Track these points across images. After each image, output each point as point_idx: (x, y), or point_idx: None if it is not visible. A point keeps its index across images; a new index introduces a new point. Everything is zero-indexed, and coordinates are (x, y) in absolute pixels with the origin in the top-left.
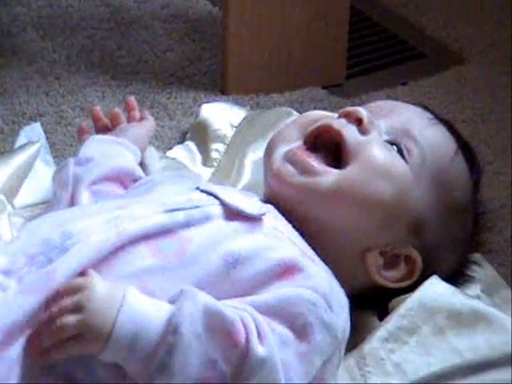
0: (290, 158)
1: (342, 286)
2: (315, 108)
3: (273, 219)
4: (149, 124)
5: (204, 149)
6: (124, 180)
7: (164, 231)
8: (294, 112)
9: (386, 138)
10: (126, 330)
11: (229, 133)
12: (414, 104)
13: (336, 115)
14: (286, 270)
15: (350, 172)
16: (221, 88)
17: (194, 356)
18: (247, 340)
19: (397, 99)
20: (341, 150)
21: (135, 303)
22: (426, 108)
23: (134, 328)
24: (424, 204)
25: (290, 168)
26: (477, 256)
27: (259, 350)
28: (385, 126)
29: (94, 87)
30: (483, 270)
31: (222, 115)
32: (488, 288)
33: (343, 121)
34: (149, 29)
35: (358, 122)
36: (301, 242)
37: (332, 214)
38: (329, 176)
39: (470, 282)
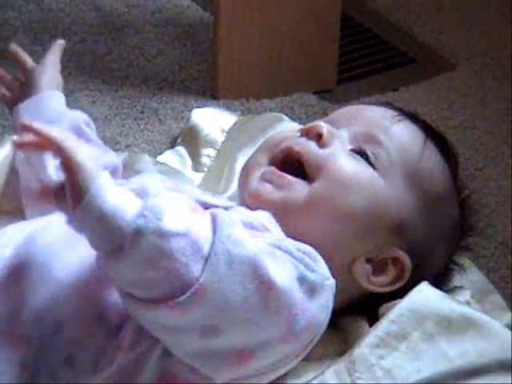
0: (266, 177)
1: (335, 300)
2: (306, 113)
3: (239, 213)
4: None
5: (195, 154)
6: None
7: None
8: (285, 117)
9: (350, 147)
10: (107, 195)
11: (219, 138)
12: (378, 104)
13: (298, 133)
14: (254, 225)
15: (318, 188)
16: (212, 93)
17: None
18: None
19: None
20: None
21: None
22: (390, 106)
23: (115, 197)
24: (402, 204)
25: (267, 185)
26: (467, 262)
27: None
28: (348, 135)
29: (85, 92)
30: (473, 276)
31: (212, 120)
32: (478, 294)
33: (303, 139)
34: (140, 34)
35: (318, 137)
36: (273, 227)
37: (310, 229)
38: (303, 190)
39: (459, 288)
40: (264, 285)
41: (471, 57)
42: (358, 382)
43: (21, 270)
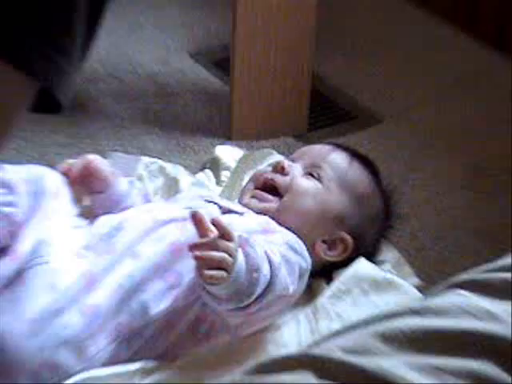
0: (253, 195)
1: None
2: (289, 150)
3: (254, 219)
4: None
5: (216, 174)
6: None
7: (184, 219)
8: (274, 152)
9: (304, 172)
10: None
11: (233, 165)
12: (321, 143)
13: (270, 169)
14: (267, 230)
15: (285, 200)
16: (228, 136)
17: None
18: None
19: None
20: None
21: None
22: (328, 143)
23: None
24: (339, 203)
25: (253, 200)
26: (390, 245)
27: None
28: (302, 165)
29: (149, 136)
30: (393, 254)
31: (229, 153)
32: (395, 265)
33: (273, 173)
34: (183, 98)
35: (282, 169)
36: (275, 225)
37: (285, 226)
38: (276, 202)
39: (383, 261)
40: (284, 296)
41: (394, 114)
42: (319, 320)
43: (114, 242)
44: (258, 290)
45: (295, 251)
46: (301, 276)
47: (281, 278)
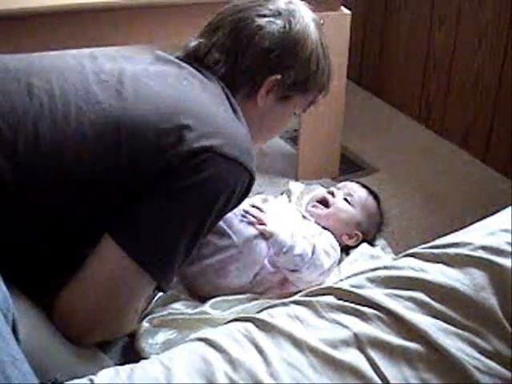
0: (313, 205)
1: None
2: (327, 186)
3: (312, 223)
4: None
5: (290, 197)
6: None
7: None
8: (320, 186)
9: (343, 197)
10: None
11: (298, 192)
12: (354, 182)
13: (326, 192)
14: (321, 233)
15: (330, 210)
16: (296, 177)
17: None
18: None
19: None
20: (328, 203)
21: None
22: (357, 182)
23: None
24: (361, 216)
25: (312, 208)
26: (381, 238)
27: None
28: (343, 193)
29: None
30: (381, 242)
31: (296, 186)
32: (383, 247)
33: (327, 194)
34: (274, 156)
35: (332, 194)
36: (324, 232)
37: (329, 225)
38: (325, 210)
39: (376, 245)
40: (324, 270)
41: (388, 165)
42: (342, 274)
43: None
44: (300, 263)
45: (333, 248)
46: (335, 262)
47: (318, 259)
